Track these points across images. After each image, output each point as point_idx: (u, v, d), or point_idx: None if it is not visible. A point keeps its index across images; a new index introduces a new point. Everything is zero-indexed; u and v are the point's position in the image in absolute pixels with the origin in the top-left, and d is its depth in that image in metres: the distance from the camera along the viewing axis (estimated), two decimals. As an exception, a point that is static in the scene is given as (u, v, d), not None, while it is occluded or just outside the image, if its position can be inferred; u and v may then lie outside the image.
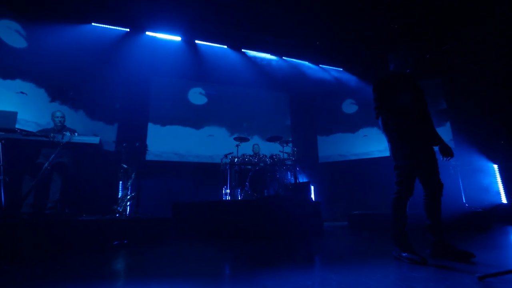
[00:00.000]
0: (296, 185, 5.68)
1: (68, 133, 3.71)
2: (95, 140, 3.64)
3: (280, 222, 4.27)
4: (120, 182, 6.03)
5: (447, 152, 2.52)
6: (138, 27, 6.86)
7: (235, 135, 6.63)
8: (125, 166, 5.01)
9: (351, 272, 2.07)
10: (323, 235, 4.38)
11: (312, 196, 7.01)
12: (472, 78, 6.74)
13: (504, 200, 6.13)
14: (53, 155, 3.59)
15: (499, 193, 6.26)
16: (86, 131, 5.82)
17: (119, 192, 6.03)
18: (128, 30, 6.85)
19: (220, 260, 2.74)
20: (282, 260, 2.60)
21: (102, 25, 6.63)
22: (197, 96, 7.80)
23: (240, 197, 5.66)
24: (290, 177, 6.09)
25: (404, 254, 2.32)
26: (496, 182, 6.33)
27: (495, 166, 6.34)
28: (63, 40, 5.86)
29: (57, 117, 4.34)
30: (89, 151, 3.96)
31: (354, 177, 7.67)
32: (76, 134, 3.83)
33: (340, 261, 2.53)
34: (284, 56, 8.18)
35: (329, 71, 8.61)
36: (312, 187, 6.96)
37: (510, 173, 6.15)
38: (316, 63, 8.46)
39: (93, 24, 6.52)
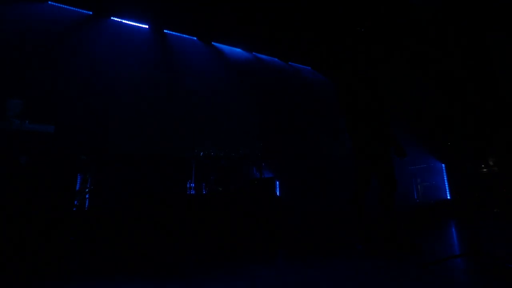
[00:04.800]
0: (261, 180, 5.77)
1: (17, 121, 3.42)
2: (49, 129, 3.39)
3: (243, 217, 4.32)
4: (79, 174, 5.70)
5: (401, 152, 2.73)
6: (103, 11, 6.44)
7: (203, 129, 6.56)
8: (84, 157, 4.74)
9: (307, 264, 2.16)
10: (286, 229, 4.51)
11: (277, 191, 7.16)
12: (421, 83, 7.27)
13: (449, 196, 6.76)
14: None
15: (445, 190, 6.88)
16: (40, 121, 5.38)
17: (76, 185, 5.69)
18: (91, 13, 6.41)
19: (177, 256, 2.71)
20: (241, 254, 2.64)
21: (61, 5, 6.11)
22: (164, 88, 7.55)
23: (205, 191, 5.63)
24: (255, 173, 6.17)
25: (359, 247, 2.48)
26: (444, 180, 6.95)
27: (443, 166, 6.95)
28: (11, 19, 5.32)
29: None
30: (42, 141, 3.67)
31: (321, 174, 7.93)
32: (27, 122, 3.54)
33: (298, 254, 2.64)
34: (254, 52, 8.20)
35: (298, 69, 8.81)
36: (278, 183, 7.11)
37: (454, 172, 6.77)
38: (285, 60, 8.61)
39: (49, 2, 6.00)
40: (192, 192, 5.55)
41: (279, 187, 7.35)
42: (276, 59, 8.48)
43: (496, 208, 5.34)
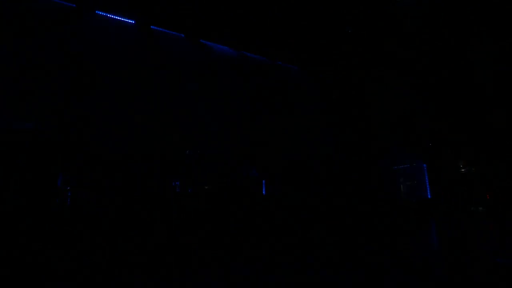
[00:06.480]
0: (248, 179, 5.79)
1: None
2: (27, 126, 3.30)
3: (229, 214, 4.33)
4: (61, 173, 5.55)
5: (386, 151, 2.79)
6: (87, 3, 6.26)
7: (189, 127, 6.50)
8: (68, 155, 4.63)
9: (293, 257, 2.19)
10: (273, 227, 4.54)
11: (264, 190, 7.18)
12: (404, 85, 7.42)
13: (429, 195, 6.96)
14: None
15: (427, 190, 7.07)
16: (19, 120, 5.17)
17: (58, 183, 5.54)
18: (74, 6, 6.22)
19: (167, 253, 2.70)
20: (228, 251, 2.65)
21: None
22: (150, 86, 7.40)
23: (191, 189, 5.60)
24: (242, 171, 6.18)
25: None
26: (425, 180, 7.14)
27: (424, 166, 7.14)
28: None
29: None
30: (21, 139, 3.56)
31: (308, 173, 7.98)
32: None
33: (284, 251, 2.67)
34: (242, 51, 8.18)
35: (286, 69, 8.84)
36: (264, 182, 7.13)
37: (435, 172, 6.96)
38: (273, 59, 8.62)
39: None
40: (177, 190, 5.52)
41: (265, 185, 7.38)
42: (264, 58, 8.48)
43: (473, 207, 5.55)
